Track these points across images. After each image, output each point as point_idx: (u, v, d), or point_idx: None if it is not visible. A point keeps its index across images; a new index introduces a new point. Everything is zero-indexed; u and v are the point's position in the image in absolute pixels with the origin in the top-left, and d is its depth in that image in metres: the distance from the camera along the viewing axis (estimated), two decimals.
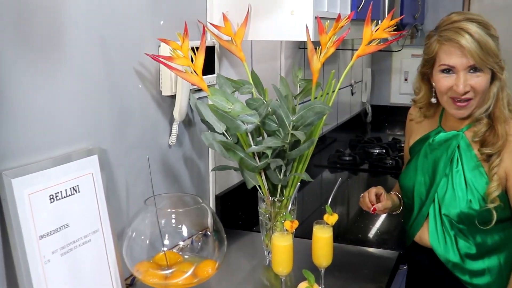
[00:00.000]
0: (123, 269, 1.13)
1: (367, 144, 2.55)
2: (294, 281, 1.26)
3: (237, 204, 1.68)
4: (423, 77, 1.36)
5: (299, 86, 1.34)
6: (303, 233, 1.44)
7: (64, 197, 1.01)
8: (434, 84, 1.31)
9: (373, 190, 1.42)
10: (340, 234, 1.55)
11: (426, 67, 1.32)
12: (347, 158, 2.32)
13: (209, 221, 1.16)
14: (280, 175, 1.28)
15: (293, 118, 1.20)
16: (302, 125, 1.21)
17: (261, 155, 1.26)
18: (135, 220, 1.12)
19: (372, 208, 1.39)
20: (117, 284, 1.11)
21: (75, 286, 1.01)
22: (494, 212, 1.24)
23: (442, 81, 1.27)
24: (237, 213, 1.68)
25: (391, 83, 3.16)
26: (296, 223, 1.16)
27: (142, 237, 1.12)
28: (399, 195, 1.47)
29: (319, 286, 1.20)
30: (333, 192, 1.23)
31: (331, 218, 1.21)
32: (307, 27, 1.26)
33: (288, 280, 1.26)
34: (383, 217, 1.69)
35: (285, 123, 1.20)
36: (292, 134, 1.20)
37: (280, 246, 1.16)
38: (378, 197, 1.42)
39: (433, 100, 1.33)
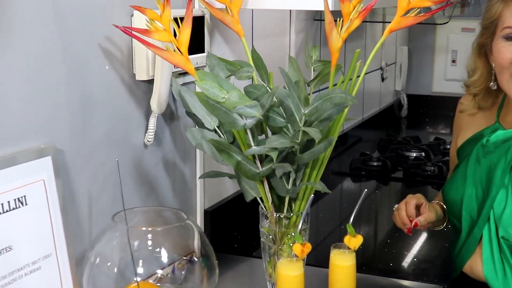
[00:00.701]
0: None
1: (401, 146, 2.54)
2: None
3: (232, 221, 1.68)
4: (480, 52, 1.32)
5: (313, 70, 1.34)
6: (318, 260, 1.44)
7: (7, 211, 1.01)
8: (493, 60, 1.27)
9: (413, 201, 1.39)
10: (365, 261, 1.55)
11: (485, 36, 1.28)
12: (375, 164, 2.33)
13: (196, 243, 1.17)
14: (288, 184, 1.28)
15: (306, 111, 1.20)
16: (317, 120, 1.20)
17: (263, 158, 1.26)
18: (100, 241, 1.13)
19: (411, 225, 1.37)
20: None
21: None
22: None
23: (504, 51, 1.23)
24: (232, 234, 1.68)
25: (434, 66, 3.12)
26: (308, 247, 1.16)
27: (109, 264, 1.13)
28: (444, 206, 1.45)
29: None
30: (357, 207, 1.23)
31: (354, 240, 1.20)
32: None
33: None
34: (422, 240, 1.68)
35: (295, 118, 1.20)
36: (304, 131, 1.20)
37: (288, 276, 1.17)
38: (417, 209, 1.40)
39: (492, 85, 1.30)
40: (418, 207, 1.39)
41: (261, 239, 1.37)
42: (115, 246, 1.13)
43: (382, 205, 2.09)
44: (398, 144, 2.59)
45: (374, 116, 2.81)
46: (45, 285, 1.07)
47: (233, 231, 1.70)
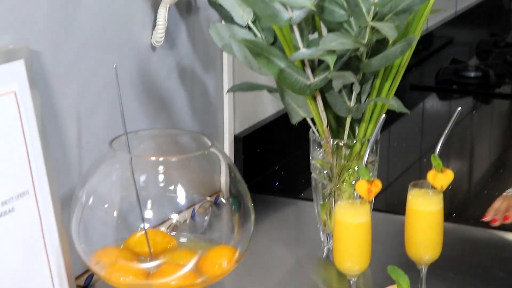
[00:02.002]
0: (71, 261, 1.15)
1: (510, 50, 2.51)
2: (372, 286, 1.29)
3: (272, 151, 1.72)
4: None
5: None
6: (390, 205, 1.47)
7: None
8: None
9: None
10: (456, 207, 1.57)
11: None
12: (472, 75, 2.32)
13: (223, 179, 1.18)
14: (349, 101, 1.29)
15: (376, 0, 1.19)
16: (391, 12, 1.20)
17: (316, 65, 1.26)
18: (93, 176, 1.13)
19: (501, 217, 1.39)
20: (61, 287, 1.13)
21: None
22: None
23: None
24: (273, 167, 1.71)
25: None
26: (377, 186, 1.15)
27: (106, 206, 1.14)
28: None
29: None
30: (446, 132, 1.22)
31: (441, 177, 1.19)
32: None
33: (361, 283, 1.27)
34: None
35: (361, 9, 1.19)
36: (372, 28, 1.20)
37: (349, 224, 1.17)
38: None
39: None
40: None
41: (312, 175, 1.39)
42: (114, 183, 1.14)
43: (480, 131, 2.08)
44: (505, 48, 2.56)
45: (472, 9, 2.77)
46: (20, 231, 1.08)
47: (273, 164, 1.72)
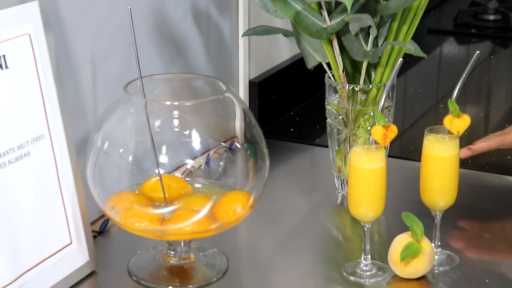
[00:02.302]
0: (87, 206, 1.15)
1: None
2: (386, 232, 1.28)
3: (287, 97, 1.71)
4: None
5: None
6: (405, 151, 1.47)
7: None
8: None
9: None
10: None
11: None
12: (492, 18, 2.29)
13: (238, 124, 1.19)
14: (366, 44, 1.28)
15: None
16: None
17: (333, 8, 1.26)
18: (108, 120, 1.14)
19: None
20: (76, 232, 1.14)
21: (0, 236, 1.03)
22: None
23: None
24: (288, 113, 1.71)
25: None
26: (393, 131, 1.14)
27: (121, 151, 1.15)
28: None
29: (431, 242, 1.19)
30: (464, 76, 1.21)
31: (458, 122, 1.19)
32: None
33: (375, 229, 1.28)
34: None
35: None
36: None
37: (364, 170, 1.16)
38: None
39: None
40: None
41: (328, 120, 1.38)
42: (129, 127, 1.14)
43: (498, 76, 2.07)
44: None
45: None
46: (36, 175, 1.08)
47: (288, 109, 1.72)
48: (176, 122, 1.13)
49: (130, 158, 1.14)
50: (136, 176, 1.15)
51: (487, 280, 1.15)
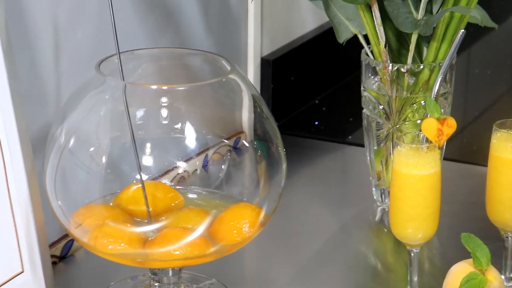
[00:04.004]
0: (45, 223, 1.14)
1: None
2: (440, 260, 1.29)
3: (310, 80, 1.67)
4: None
5: None
6: (466, 152, 1.43)
7: None
8: None
9: None
10: None
11: None
12: None
13: (246, 115, 1.16)
14: (416, 11, 1.28)
15: None
16: None
17: None
18: (76, 109, 1.13)
19: None
20: (30, 258, 1.13)
21: None
22: None
23: None
24: (311, 101, 1.69)
25: None
26: (451, 125, 1.13)
27: (92, 150, 1.14)
28: None
29: (501, 273, 1.17)
30: (448, 60, 1.21)
31: None
32: None
33: (425, 256, 1.28)
34: None
35: None
36: None
37: (412, 177, 1.15)
38: None
39: None
40: None
41: (364, 111, 1.38)
42: (102, 119, 1.13)
43: None
44: None
45: None
46: None
47: (312, 96, 1.70)
48: (164, 113, 1.13)
49: (104, 159, 1.13)
50: (111, 183, 1.13)
51: None
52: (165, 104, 1.12)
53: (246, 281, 1.24)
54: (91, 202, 1.13)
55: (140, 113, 1.12)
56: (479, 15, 1.26)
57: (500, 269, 1.17)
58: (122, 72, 1.10)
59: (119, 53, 1.10)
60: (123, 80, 1.11)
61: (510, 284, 1.18)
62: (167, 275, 1.15)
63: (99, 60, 1.12)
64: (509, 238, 1.19)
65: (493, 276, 1.11)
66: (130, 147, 1.10)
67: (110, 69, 1.11)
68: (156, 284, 1.15)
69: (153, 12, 1.36)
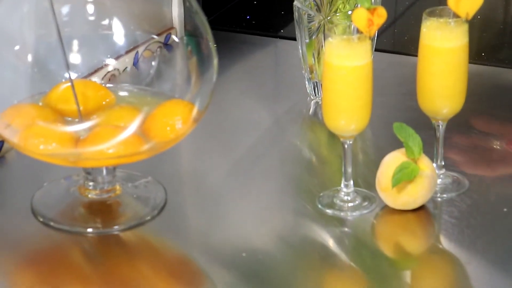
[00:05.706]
0: None
1: None
2: (373, 151, 1.30)
3: None
4: None
5: None
6: (397, 42, 1.44)
7: None
8: None
9: None
10: (486, 44, 1.58)
11: None
12: None
13: (176, 11, 1.17)
14: None
15: None
16: None
17: None
18: None
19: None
20: None
21: None
22: None
23: None
24: None
25: None
26: (381, 15, 1.13)
27: (17, 48, 1.15)
28: None
29: (432, 161, 1.19)
30: None
31: (468, 2, 1.17)
32: None
33: (359, 147, 1.29)
34: None
35: None
36: None
37: (343, 68, 1.15)
38: None
39: None
40: None
41: (295, 3, 1.37)
42: (26, 15, 1.13)
43: None
44: None
45: None
46: None
47: None
48: (90, 8, 1.13)
49: (30, 58, 1.14)
50: (39, 83, 1.14)
51: (505, 209, 1.15)
52: (91, 0, 1.11)
53: (182, 178, 1.24)
54: (19, 102, 1.13)
55: (65, 9, 1.11)
56: None
57: (432, 157, 1.18)
58: None
59: None
60: None
61: (441, 171, 1.19)
62: (101, 174, 1.15)
63: None
64: (440, 126, 1.20)
65: (425, 164, 1.14)
66: (57, 45, 1.09)
67: None
68: (91, 183, 1.16)
69: None
